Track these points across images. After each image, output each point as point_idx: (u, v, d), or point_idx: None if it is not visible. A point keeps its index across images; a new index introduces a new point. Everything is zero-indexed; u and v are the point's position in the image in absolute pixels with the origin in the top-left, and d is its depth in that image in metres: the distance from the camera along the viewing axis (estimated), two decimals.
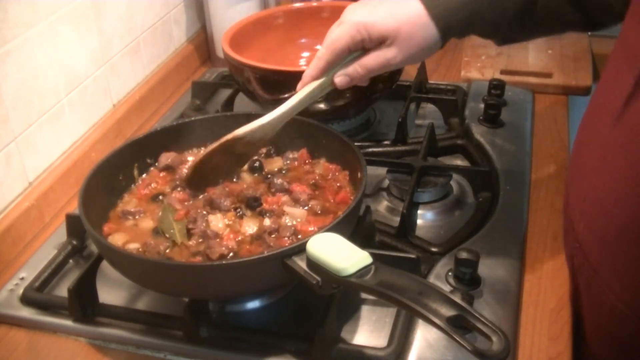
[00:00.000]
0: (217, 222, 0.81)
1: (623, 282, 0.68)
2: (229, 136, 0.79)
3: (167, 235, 0.79)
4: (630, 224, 0.64)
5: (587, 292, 0.76)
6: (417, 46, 0.76)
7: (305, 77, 0.79)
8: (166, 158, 0.92)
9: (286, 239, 0.77)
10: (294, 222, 0.80)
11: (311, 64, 0.78)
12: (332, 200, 0.83)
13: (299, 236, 0.78)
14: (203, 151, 0.81)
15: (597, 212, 0.70)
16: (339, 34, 0.77)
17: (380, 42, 0.76)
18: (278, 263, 0.68)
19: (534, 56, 1.30)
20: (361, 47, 0.77)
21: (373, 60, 0.77)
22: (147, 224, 0.83)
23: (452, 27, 0.76)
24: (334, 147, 0.89)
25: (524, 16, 0.77)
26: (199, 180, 0.83)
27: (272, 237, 0.77)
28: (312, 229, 0.78)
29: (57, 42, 1.00)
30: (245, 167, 0.91)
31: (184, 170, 0.90)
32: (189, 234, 0.79)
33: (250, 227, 0.80)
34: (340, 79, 0.78)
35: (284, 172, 0.91)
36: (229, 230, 0.80)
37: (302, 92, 0.79)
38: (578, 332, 0.79)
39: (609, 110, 0.67)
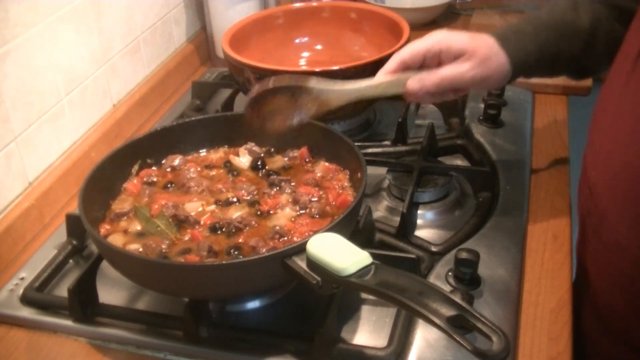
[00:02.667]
0: (193, 207, 0.83)
1: (629, 224, 0.73)
2: (300, 81, 0.82)
3: (154, 234, 0.80)
4: (637, 167, 0.68)
5: (595, 237, 0.80)
6: (490, 69, 0.81)
7: (380, 71, 0.84)
8: (172, 160, 0.92)
9: (271, 241, 0.77)
10: (281, 225, 0.80)
11: (388, 62, 0.84)
12: (333, 203, 0.83)
13: (284, 238, 0.78)
14: (271, 82, 0.83)
15: (607, 159, 0.75)
16: (420, 41, 0.83)
17: (456, 57, 0.81)
18: (278, 263, 0.68)
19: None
20: (437, 60, 0.82)
21: (447, 70, 0.81)
22: (137, 225, 0.83)
23: (522, 63, 0.83)
24: (334, 147, 0.89)
25: (590, 46, 0.84)
26: (257, 113, 0.84)
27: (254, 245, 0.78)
28: (308, 233, 0.78)
29: (57, 42, 1.00)
30: (247, 164, 0.92)
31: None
32: (177, 227, 0.81)
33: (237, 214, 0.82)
34: (412, 82, 0.82)
35: (285, 167, 0.91)
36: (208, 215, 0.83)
37: (376, 79, 0.84)
38: (578, 331, 0.80)
39: (624, 68, 0.73)
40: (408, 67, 0.83)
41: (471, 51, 0.80)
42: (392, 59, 0.83)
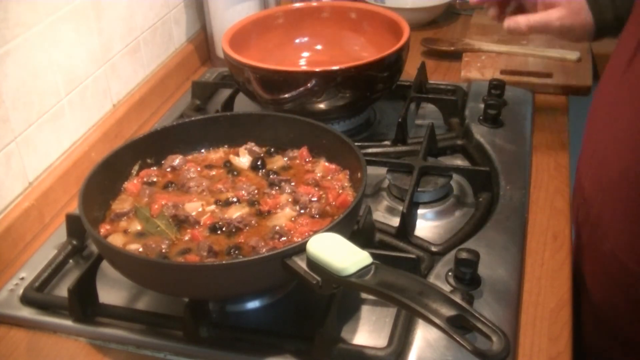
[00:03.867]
0: (193, 207, 0.83)
1: (620, 230, 0.71)
2: None
3: (154, 234, 0.80)
4: (629, 172, 0.67)
5: (588, 245, 0.79)
6: (576, 22, 0.91)
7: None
8: (172, 160, 0.92)
9: (271, 241, 0.77)
10: (281, 225, 0.80)
11: None
12: (333, 203, 0.83)
13: (284, 238, 0.78)
14: None
15: (601, 164, 0.75)
16: None
17: (550, 6, 0.93)
18: (278, 263, 0.68)
19: (534, 56, 1.30)
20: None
21: (539, 15, 0.93)
22: (137, 225, 0.83)
23: (604, 26, 0.90)
24: (334, 147, 0.89)
25: None
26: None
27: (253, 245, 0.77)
28: (308, 233, 0.78)
29: (57, 42, 1.00)
30: (247, 164, 0.92)
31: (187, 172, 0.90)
32: (177, 227, 0.81)
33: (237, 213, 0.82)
34: (509, 22, 0.95)
35: (285, 167, 0.91)
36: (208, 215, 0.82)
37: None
38: (578, 332, 0.80)
39: (617, 70, 0.74)
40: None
41: (565, 3, 0.91)
42: None
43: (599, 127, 0.77)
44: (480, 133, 1.06)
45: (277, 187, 0.86)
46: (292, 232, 0.78)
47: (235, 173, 0.91)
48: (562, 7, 0.92)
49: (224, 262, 0.72)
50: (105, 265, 0.79)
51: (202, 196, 0.86)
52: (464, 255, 0.77)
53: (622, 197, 0.71)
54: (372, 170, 0.91)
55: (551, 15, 0.92)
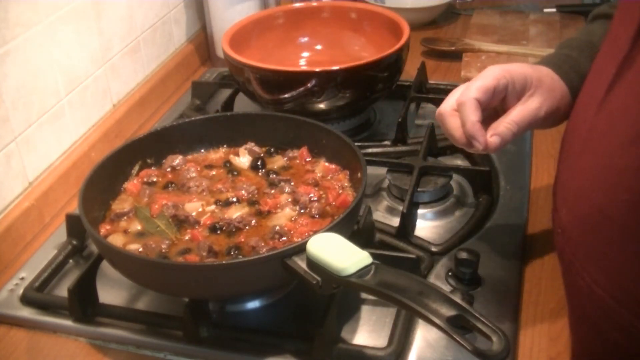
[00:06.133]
0: (193, 207, 0.84)
1: (598, 265, 0.67)
2: None
3: (154, 234, 0.80)
4: (607, 208, 0.64)
5: (566, 277, 0.75)
6: (557, 99, 0.77)
7: (472, 124, 0.75)
8: (172, 160, 0.92)
9: (271, 241, 0.77)
10: (281, 225, 0.80)
11: (466, 111, 0.74)
12: (333, 204, 0.83)
13: (284, 238, 0.78)
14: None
15: (577, 196, 0.69)
16: (483, 78, 0.75)
17: (522, 89, 0.76)
18: (278, 263, 0.68)
19: (534, 55, 1.30)
20: (503, 95, 0.76)
21: (519, 114, 0.75)
22: (137, 225, 0.83)
23: (579, 89, 0.76)
24: (334, 147, 0.89)
25: None
26: None
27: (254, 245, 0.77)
28: (308, 233, 0.78)
29: (57, 42, 1.00)
30: (247, 164, 0.92)
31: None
32: (177, 227, 0.81)
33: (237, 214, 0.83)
34: (493, 139, 0.74)
35: (285, 167, 0.91)
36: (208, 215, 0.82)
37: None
38: None
39: (593, 98, 0.68)
40: (483, 108, 0.76)
41: (536, 82, 0.76)
42: (470, 104, 0.74)
43: (574, 157, 0.71)
44: None
45: (277, 187, 0.86)
46: (292, 232, 0.78)
47: (235, 173, 0.91)
48: (536, 89, 0.76)
49: (224, 262, 0.72)
50: (105, 265, 0.79)
51: (202, 196, 0.86)
52: (464, 255, 0.77)
53: (601, 235, 0.64)
54: (372, 170, 0.91)
55: (532, 105, 0.76)
